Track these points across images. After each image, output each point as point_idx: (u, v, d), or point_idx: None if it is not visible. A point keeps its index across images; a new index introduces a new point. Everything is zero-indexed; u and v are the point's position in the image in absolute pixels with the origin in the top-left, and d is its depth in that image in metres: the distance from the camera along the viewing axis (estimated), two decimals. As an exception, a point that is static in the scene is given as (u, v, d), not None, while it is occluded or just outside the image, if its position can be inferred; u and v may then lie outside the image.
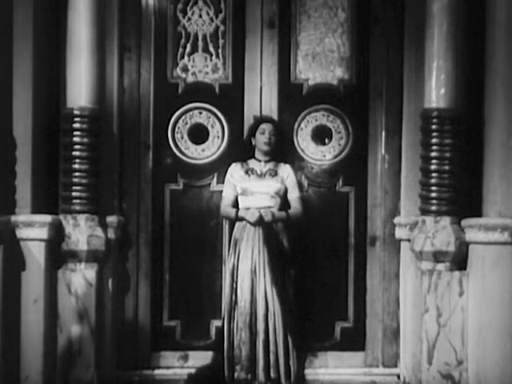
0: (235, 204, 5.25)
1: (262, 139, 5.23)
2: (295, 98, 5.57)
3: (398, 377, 5.45)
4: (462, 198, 5.07)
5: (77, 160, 5.05)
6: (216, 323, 5.45)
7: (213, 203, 5.53)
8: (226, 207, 5.25)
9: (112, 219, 5.26)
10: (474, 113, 5.14)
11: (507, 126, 4.95)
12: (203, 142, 5.57)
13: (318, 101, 5.57)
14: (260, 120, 5.34)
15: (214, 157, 5.57)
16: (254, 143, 5.28)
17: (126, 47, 5.49)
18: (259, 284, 5.05)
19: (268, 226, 5.10)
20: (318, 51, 5.58)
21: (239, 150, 5.42)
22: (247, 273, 5.07)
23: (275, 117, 5.46)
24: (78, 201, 5.05)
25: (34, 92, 5.02)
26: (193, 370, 5.33)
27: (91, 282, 5.02)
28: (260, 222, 5.06)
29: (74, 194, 5.06)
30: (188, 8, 5.58)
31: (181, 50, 5.57)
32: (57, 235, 4.97)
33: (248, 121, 5.46)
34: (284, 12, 5.56)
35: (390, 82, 5.50)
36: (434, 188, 5.05)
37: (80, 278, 5.01)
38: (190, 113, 5.57)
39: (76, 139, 5.04)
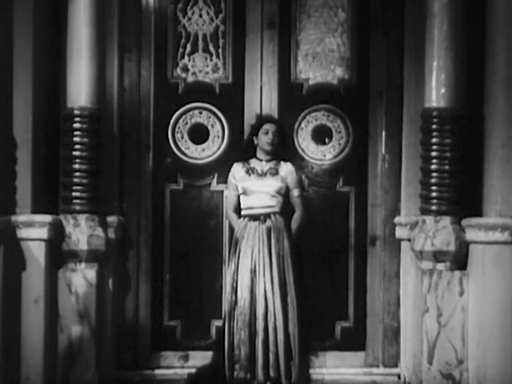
0: (238, 204, 5.25)
1: (265, 139, 5.22)
2: (295, 98, 5.57)
3: (399, 376, 5.45)
4: (462, 197, 5.07)
5: (77, 160, 5.05)
6: (216, 323, 5.45)
7: (213, 203, 5.53)
8: (230, 214, 5.27)
9: (112, 219, 5.26)
10: (474, 112, 5.13)
11: (507, 126, 4.94)
12: (203, 141, 5.58)
13: (318, 100, 5.57)
14: (263, 120, 5.33)
15: (215, 156, 5.57)
16: (256, 142, 5.28)
17: (126, 47, 5.49)
18: (259, 283, 5.05)
19: (269, 226, 5.11)
20: (319, 51, 5.58)
21: (239, 149, 5.42)
22: (247, 272, 5.07)
23: (275, 116, 5.46)
24: (78, 201, 5.05)
25: (34, 92, 5.02)
26: (193, 370, 5.33)
27: (91, 281, 5.02)
28: None
29: (74, 193, 5.06)
30: (188, 8, 5.58)
31: (181, 49, 5.57)
32: (57, 235, 4.98)
33: (248, 120, 5.46)
34: (284, 12, 5.56)
35: (390, 81, 5.50)
36: (434, 188, 5.05)
37: (80, 277, 5.02)
38: (190, 113, 5.58)
39: (76, 139, 5.05)
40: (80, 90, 5.05)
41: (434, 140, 5.04)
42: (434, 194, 5.05)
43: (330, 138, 5.59)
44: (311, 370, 5.41)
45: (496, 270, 4.88)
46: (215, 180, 5.54)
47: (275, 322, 5.02)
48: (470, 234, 4.97)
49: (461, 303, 4.99)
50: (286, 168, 5.25)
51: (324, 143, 5.59)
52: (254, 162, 5.27)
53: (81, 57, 5.04)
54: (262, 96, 5.53)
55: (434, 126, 5.04)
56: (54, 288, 4.99)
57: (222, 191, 5.48)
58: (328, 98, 5.57)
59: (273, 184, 5.19)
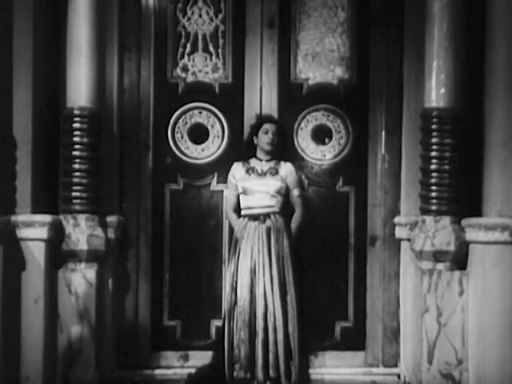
0: (238, 204, 5.25)
1: (265, 139, 5.22)
2: (295, 98, 5.57)
3: (399, 376, 5.45)
4: (462, 197, 5.07)
5: (77, 160, 5.05)
6: (216, 323, 5.45)
7: (213, 203, 5.53)
8: (230, 213, 5.27)
9: (112, 219, 5.26)
10: (473, 112, 5.13)
11: (507, 126, 4.94)
12: (203, 141, 5.58)
13: (317, 100, 5.57)
14: (263, 119, 5.33)
15: (214, 156, 5.57)
16: (255, 142, 5.28)
17: (125, 47, 5.49)
18: (258, 283, 5.05)
19: (268, 226, 5.11)
20: (318, 51, 5.58)
21: (239, 149, 5.42)
22: (247, 272, 5.07)
23: (275, 116, 5.46)
24: (78, 201, 5.06)
25: (33, 92, 5.02)
26: (193, 370, 5.32)
27: (91, 281, 5.02)
28: None
29: (74, 193, 5.06)
30: (188, 8, 5.58)
31: (181, 49, 5.57)
32: (57, 235, 4.97)
33: (248, 120, 5.46)
34: (284, 11, 5.56)
35: (390, 81, 5.50)
36: (433, 188, 5.05)
37: (80, 277, 5.02)
38: (190, 112, 5.57)
39: (76, 139, 5.05)
40: (80, 90, 5.05)
41: (434, 140, 5.04)
42: (433, 194, 5.05)
43: (330, 138, 5.59)
44: (311, 370, 5.41)
45: (496, 270, 4.88)
46: (215, 180, 5.54)
47: (275, 321, 5.02)
48: (470, 234, 4.97)
49: (461, 303, 4.99)
50: (286, 168, 5.25)
51: (324, 143, 5.59)
52: (253, 162, 5.27)
53: (80, 56, 5.04)
54: (261, 96, 5.53)
55: (433, 126, 5.04)
56: (54, 288, 4.99)
57: (222, 191, 5.48)
58: (328, 98, 5.57)
59: (273, 184, 5.19)
